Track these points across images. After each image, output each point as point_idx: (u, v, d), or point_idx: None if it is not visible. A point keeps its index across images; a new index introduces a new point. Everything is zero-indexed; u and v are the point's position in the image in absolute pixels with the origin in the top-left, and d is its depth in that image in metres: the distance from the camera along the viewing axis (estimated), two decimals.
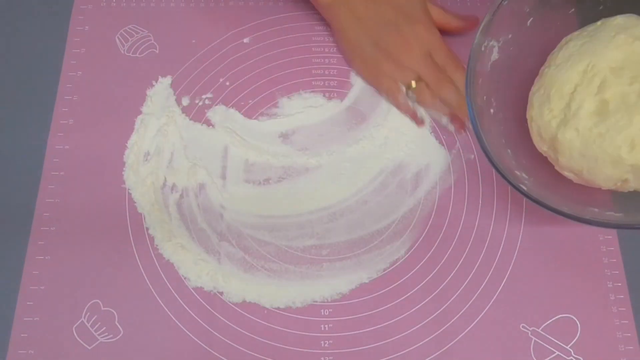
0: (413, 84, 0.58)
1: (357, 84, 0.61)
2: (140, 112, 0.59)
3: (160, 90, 0.61)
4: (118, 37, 0.63)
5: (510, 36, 0.53)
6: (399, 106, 0.59)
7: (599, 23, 0.51)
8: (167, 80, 0.61)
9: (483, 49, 0.52)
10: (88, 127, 0.59)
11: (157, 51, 0.63)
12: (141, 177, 0.57)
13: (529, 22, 0.54)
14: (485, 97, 0.52)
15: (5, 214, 0.55)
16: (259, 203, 0.56)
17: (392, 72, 0.58)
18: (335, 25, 0.61)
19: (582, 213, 0.48)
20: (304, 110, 0.60)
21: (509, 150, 0.52)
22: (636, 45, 0.48)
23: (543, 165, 0.52)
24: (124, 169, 0.57)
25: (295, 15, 0.64)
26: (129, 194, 0.56)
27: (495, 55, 0.53)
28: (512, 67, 0.54)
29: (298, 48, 0.63)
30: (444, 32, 0.61)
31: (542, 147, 0.51)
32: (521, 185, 0.48)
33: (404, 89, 0.58)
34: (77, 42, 0.63)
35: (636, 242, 0.55)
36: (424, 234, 0.55)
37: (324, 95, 0.61)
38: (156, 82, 0.61)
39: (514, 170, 0.50)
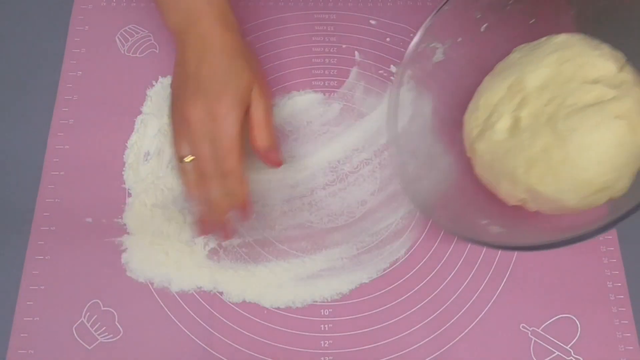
0: (186, 159, 0.50)
1: (358, 86, 0.61)
2: (140, 112, 0.59)
3: (160, 90, 0.60)
4: (118, 37, 0.63)
5: (460, 39, 0.53)
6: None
7: (543, 39, 0.51)
8: (167, 80, 0.61)
9: (420, 49, 0.52)
10: (88, 127, 0.59)
11: (157, 51, 0.63)
12: (141, 177, 0.57)
13: (482, 27, 0.53)
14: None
15: (5, 213, 0.55)
16: (260, 203, 0.56)
17: (182, 136, 0.50)
18: (176, 51, 0.53)
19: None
20: (303, 110, 0.60)
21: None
22: (564, 67, 0.48)
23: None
24: (124, 168, 0.57)
25: (295, 15, 0.64)
26: (129, 193, 0.56)
27: (439, 57, 0.54)
28: (462, 70, 0.54)
29: (298, 48, 0.63)
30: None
31: (467, 152, 0.52)
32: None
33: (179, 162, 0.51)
34: (77, 42, 0.63)
35: (636, 242, 0.55)
36: (424, 234, 0.55)
37: (324, 95, 0.61)
38: (156, 82, 0.61)
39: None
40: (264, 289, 0.53)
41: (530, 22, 0.53)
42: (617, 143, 0.45)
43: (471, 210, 0.51)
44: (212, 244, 0.55)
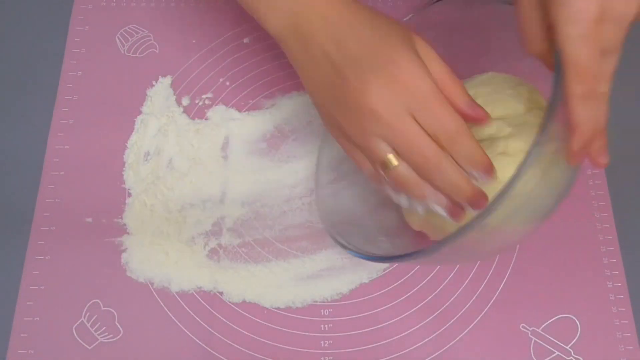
0: (391, 160, 0.40)
1: None
2: (140, 112, 0.59)
3: (160, 90, 0.61)
4: (118, 37, 0.63)
5: None
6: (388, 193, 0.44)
7: (474, 76, 0.50)
8: (167, 80, 0.61)
9: None
10: (88, 127, 0.59)
11: (157, 51, 0.63)
12: (141, 177, 0.57)
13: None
14: None
15: (5, 213, 0.55)
16: (260, 203, 0.56)
17: (357, 145, 0.41)
18: (293, 65, 0.44)
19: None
20: (303, 110, 0.60)
21: None
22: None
23: None
24: (124, 168, 0.57)
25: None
26: (129, 193, 0.56)
27: None
28: None
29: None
30: None
31: None
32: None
33: (381, 172, 0.41)
34: (77, 42, 0.63)
35: (636, 242, 0.55)
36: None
37: None
38: (156, 82, 0.61)
39: None
40: (264, 289, 0.53)
41: (480, 60, 0.51)
42: (499, 181, 0.41)
43: (374, 227, 0.51)
44: (213, 244, 0.55)
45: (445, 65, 0.41)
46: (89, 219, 0.55)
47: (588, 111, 0.35)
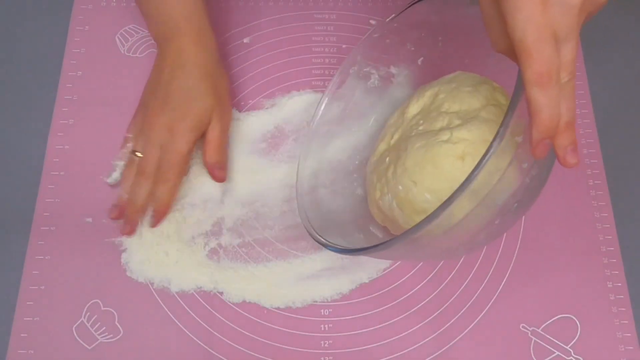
0: (139, 153, 0.55)
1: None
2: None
3: None
4: (118, 37, 0.63)
5: (392, 69, 0.56)
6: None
7: (450, 75, 0.52)
8: None
9: (352, 71, 0.56)
10: (88, 127, 0.59)
11: (157, 51, 0.63)
12: None
13: (419, 61, 0.55)
14: None
15: (5, 213, 0.55)
16: (260, 203, 0.56)
17: (140, 132, 0.56)
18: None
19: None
20: (303, 110, 0.60)
21: None
22: (438, 98, 0.49)
23: None
24: (124, 168, 0.57)
25: (295, 15, 0.64)
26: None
27: (374, 82, 0.57)
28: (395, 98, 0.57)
29: (298, 48, 0.63)
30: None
31: None
32: None
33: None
34: (77, 42, 0.63)
35: (636, 242, 0.55)
36: None
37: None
38: None
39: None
40: (264, 289, 0.53)
41: (465, 62, 0.53)
42: (436, 166, 0.44)
43: (351, 226, 0.53)
44: (213, 244, 0.55)
45: (221, 132, 0.56)
46: (89, 219, 0.55)
47: (545, 98, 0.35)
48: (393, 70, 0.57)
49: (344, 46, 0.63)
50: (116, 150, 0.57)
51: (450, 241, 0.42)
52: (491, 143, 0.36)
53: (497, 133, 0.36)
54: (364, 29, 0.64)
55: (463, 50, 0.53)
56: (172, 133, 0.53)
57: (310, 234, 0.49)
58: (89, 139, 0.58)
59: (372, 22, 0.64)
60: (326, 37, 0.63)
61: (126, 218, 0.54)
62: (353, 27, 0.64)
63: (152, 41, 0.63)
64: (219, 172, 0.56)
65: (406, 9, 0.52)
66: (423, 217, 0.39)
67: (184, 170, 0.55)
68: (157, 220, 0.54)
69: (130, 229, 0.54)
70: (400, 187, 0.46)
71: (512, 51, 0.37)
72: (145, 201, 0.54)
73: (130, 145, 0.56)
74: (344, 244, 0.47)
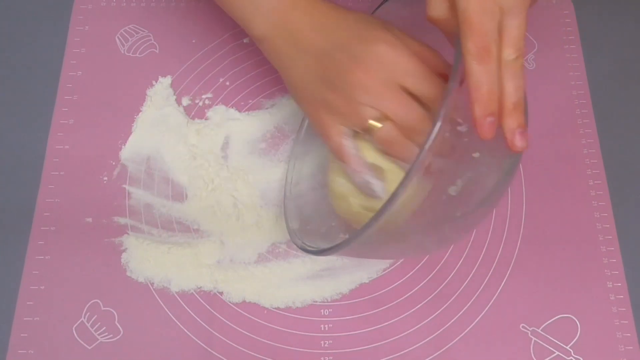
0: (374, 124, 0.42)
1: None
2: (140, 112, 0.59)
3: (160, 90, 0.60)
4: (118, 37, 0.63)
5: None
6: (353, 168, 0.44)
7: None
8: (167, 80, 0.61)
9: None
10: (88, 127, 0.59)
11: (157, 51, 0.63)
12: (141, 177, 0.57)
13: None
14: None
15: (5, 213, 0.55)
16: (260, 203, 0.56)
17: (341, 114, 0.43)
18: (276, 62, 0.47)
19: None
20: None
21: None
22: None
23: None
24: (124, 168, 0.57)
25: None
26: (129, 193, 0.56)
27: None
28: None
29: None
30: None
31: None
32: None
33: (348, 139, 0.44)
34: (77, 41, 0.63)
35: (636, 242, 0.55)
36: None
37: None
38: (156, 82, 0.61)
39: None
40: (264, 289, 0.53)
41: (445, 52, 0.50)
42: None
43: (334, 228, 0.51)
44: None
45: (420, 42, 0.44)
46: (89, 219, 0.55)
47: (486, 73, 0.34)
48: None
49: None
50: (115, 151, 0.57)
51: (415, 231, 0.41)
52: (433, 126, 0.34)
53: (438, 115, 0.34)
54: None
55: (441, 43, 0.51)
56: (393, 59, 0.42)
57: (291, 236, 0.49)
58: (89, 139, 0.58)
59: None
60: None
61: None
62: None
63: (152, 41, 0.63)
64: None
65: (377, 8, 0.50)
66: (342, 202, 0.38)
67: None
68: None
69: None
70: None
71: (444, 21, 0.37)
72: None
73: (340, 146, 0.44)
74: (325, 245, 0.44)
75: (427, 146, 0.35)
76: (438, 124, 0.34)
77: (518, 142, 0.36)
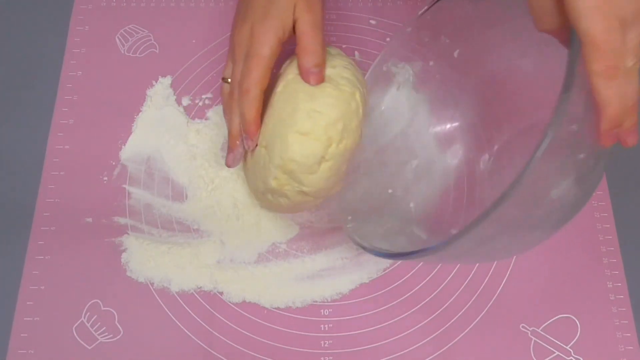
0: (227, 80, 0.51)
1: None
2: (140, 112, 0.59)
3: (160, 90, 0.60)
4: (118, 37, 0.63)
5: (431, 64, 0.54)
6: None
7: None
8: (167, 80, 0.61)
9: (384, 69, 0.54)
10: (88, 127, 0.59)
11: (157, 51, 0.63)
12: (141, 177, 0.57)
13: (455, 53, 0.53)
14: None
15: (5, 213, 0.55)
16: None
17: (228, 58, 0.52)
18: None
19: None
20: None
21: None
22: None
23: None
24: (124, 168, 0.57)
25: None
26: (129, 193, 0.56)
27: (409, 78, 0.55)
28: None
29: None
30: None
31: None
32: None
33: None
34: (77, 42, 0.63)
35: (636, 242, 0.55)
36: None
37: None
38: (156, 82, 0.61)
39: None
40: (264, 289, 0.53)
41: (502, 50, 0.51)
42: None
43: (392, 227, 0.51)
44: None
45: (311, 24, 0.48)
46: (89, 219, 0.55)
47: (614, 89, 0.34)
48: (431, 64, 0.54)
49: (343, 46, 0.63)
50: (115, 151, 0.57)
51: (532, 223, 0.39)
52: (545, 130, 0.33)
53: (551, 121, 0.33)
54: (364, 29, 0.64)
55: (496, 40, 0.50)
56: (252, 39, 0.48)
57: (358, 243, 0.47)
58: (89, 139, 0.58)
59: (372, 22, 0.64)
60: (326, 37, 0.63)
61: (228, 149, 0.50)
62: (353, 27, 0.64)
63: (152, 41, 0.63)
64: (315, 76, 0.47)
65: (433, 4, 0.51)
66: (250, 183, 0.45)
67: (264, 79, 0.47)
68: (248, 144, 0.48)
69: (231, 159, 0.50)
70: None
71: (559, 32, 0.36)
72: (238, 123, 0.49)
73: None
74: (387, 247, 0.44)
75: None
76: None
77: (631, 139, 0.36)
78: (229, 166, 0.51)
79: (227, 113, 0.50)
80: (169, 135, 0.58)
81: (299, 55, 0.47)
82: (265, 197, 0.49)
